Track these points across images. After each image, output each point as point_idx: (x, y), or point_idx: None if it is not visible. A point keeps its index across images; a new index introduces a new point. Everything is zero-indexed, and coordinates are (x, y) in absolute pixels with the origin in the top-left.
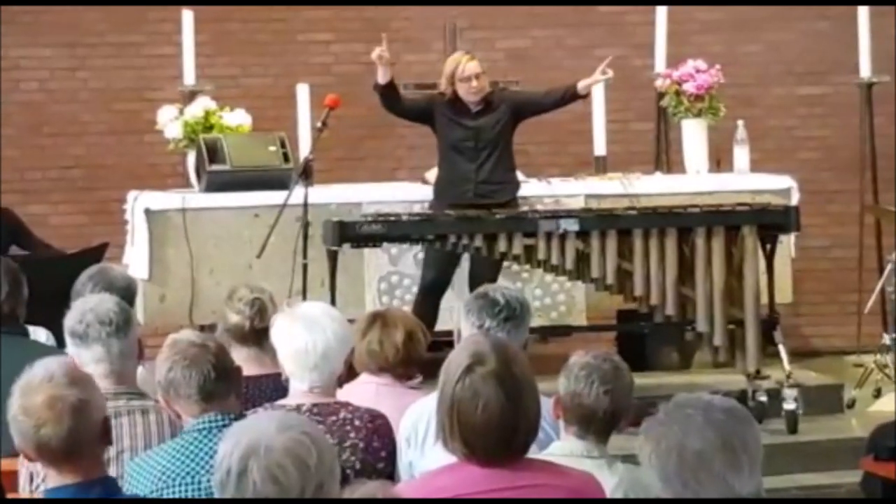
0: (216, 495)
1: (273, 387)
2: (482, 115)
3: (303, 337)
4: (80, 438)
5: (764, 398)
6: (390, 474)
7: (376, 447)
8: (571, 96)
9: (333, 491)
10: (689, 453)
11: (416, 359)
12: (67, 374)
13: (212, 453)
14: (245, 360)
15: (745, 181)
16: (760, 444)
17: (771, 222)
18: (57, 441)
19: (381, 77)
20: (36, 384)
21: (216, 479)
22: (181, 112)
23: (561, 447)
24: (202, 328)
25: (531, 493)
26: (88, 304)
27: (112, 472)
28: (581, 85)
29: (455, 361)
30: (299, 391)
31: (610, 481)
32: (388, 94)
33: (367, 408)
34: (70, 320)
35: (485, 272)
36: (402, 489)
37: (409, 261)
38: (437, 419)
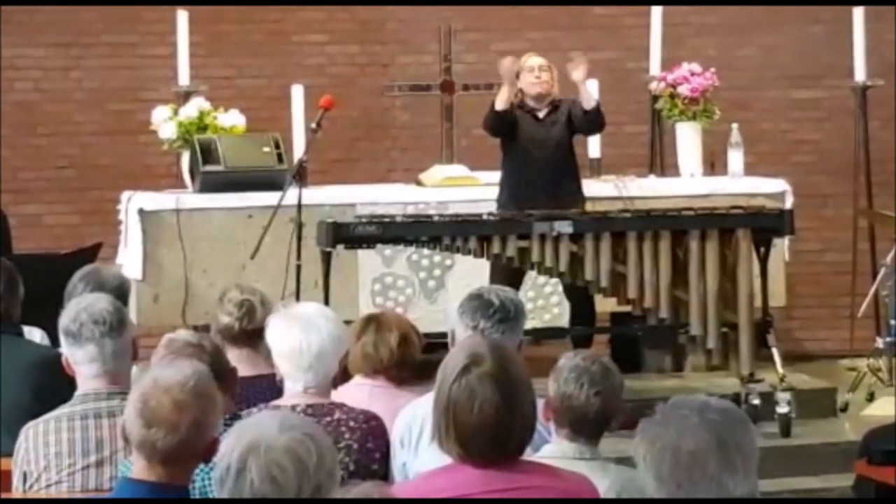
0: (215, 491)
1: (267, 387)
2: (549, 121)
3: (298, 337)
4: (186, 450)
5: (757, 401)
6: (384, 475)
7: (370, 448)
8: (585, 112)
9: (332, 494)
10: (683, 454)
11: (411, 361)
12: (201, 384)
13: None
14: (238, 361)
15: (740, 184)
16: (756, 445)
17: (765, 226)
18: (163, 445)
19: (502, 103)
20: (170, 384)
21: (215, 475)
22: (175, 112)
23: (553, 449)
24: (195, 328)
25: (526, 494)
26: (83, 304)
27: (106, 472)
28: (583, 103)
29: (452, 362)
30: (294, 391)
31: (603, 483)
32: (503, 119)
33: (362, 409)
34: (64, 319)
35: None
36: (398, 490)
37: (402, 262)
38: (433, 419)
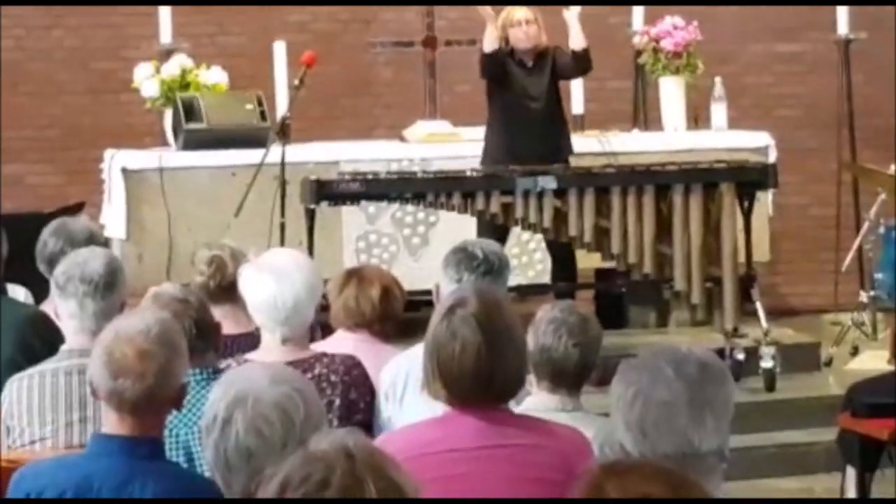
0: (202, 441)
1: (252, 345)
2: (538, 71)
3: (271, 289)
4: (154, 399)
5: (741, 356)
6: (369, 423)
7: (354, 399)
8: (574, 53)
9: None
10: (654, 403)
11: (393, 315)
12: (163, 332)
13: (189, 406)
14: (221, 319)
15: (723, 138)
16: (731, 402)
17: (748, 180)
18: (131, 394)
19: (490, 44)
20: (132, 334)
21: (203, 424)
22: (157, 70)
23: (534, 402)
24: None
25: (520, 452)
26: (77, 258)
27: (89, 429)
28: (573, 45)
29: (441, 305)
30: (272, 345)
31: (586, 434)
32: (494, 60)
33: (343, 355)
34: (57, 270)
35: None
36: (389, 439)
37: (386, 219)
38: (423, 362)
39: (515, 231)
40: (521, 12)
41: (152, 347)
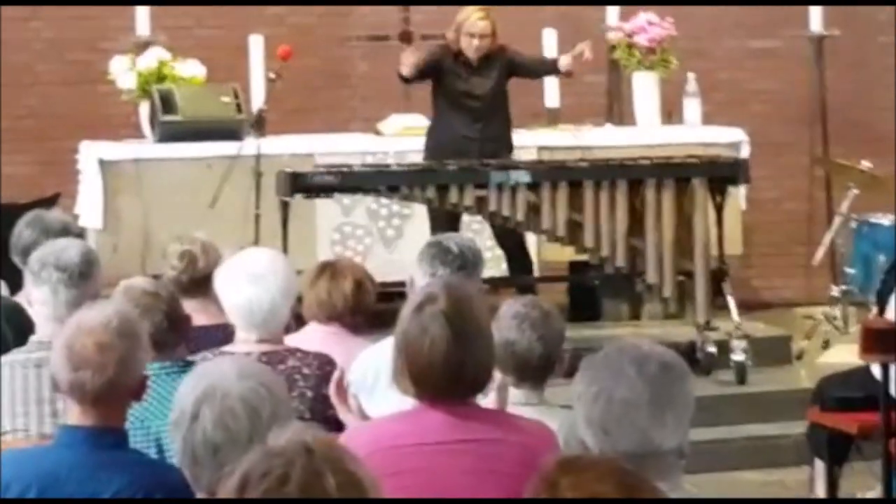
0: (172, 434)
1: (223, 337)
2: (484, 71)
3: (247, 293)
4: (115, 390)
5: (713, 349)
6: (339, 420)
7: (326, 394)
8: (553, 70)
9: None
10: (616, 402)
11: (365, 308)
12: (123, 324)
13: (160, 398)
14: (192, 312)
15: (696, 133)
16: (691, 401)
17: (720, 174)
18: (92, 386)
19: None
20: (92, 326)
21: (172, 418)
22: (134, 62)
23: None
24: (154, 278)
25: (486, 447)
26: (55, 247)
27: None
28: (562, 63)
29: (410, 301)
30: (247, 339)
31: (551, 427)
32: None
33: (317, 352)
34: (33, 256)
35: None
36: (354, 433)
37: (361, 211)
38: (392, 358)
39: (464, 221)
40: (480, 26)
41: (112, 339)
